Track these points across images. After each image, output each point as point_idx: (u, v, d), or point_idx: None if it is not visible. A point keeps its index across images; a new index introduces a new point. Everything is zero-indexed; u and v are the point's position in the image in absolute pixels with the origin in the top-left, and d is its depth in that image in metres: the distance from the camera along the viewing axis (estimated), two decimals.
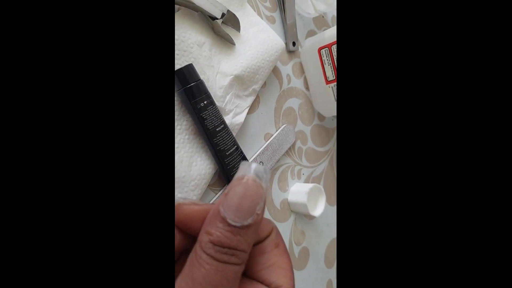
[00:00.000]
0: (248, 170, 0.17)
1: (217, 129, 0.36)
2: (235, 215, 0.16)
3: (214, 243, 0.16)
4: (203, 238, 0.16)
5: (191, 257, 0.17)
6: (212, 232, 0.16)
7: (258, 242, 0.19)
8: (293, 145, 0.51)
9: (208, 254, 0.16)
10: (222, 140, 0.36)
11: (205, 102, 0.35)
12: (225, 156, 0.36)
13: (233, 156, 0.37)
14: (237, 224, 0.16)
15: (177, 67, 0.36)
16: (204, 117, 0.35)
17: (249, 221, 0.16)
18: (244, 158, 0.39)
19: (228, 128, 0.37)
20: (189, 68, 0.35)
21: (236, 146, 0.38)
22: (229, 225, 0.16)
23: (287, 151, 0.50)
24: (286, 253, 0.20)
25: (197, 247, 0.16)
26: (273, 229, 0.20)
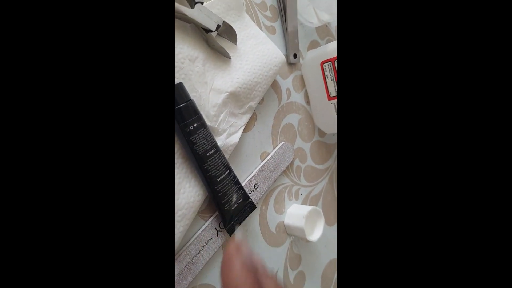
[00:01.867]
0: None
1: (208, 154, 0.33)
2: None
3: None
4: None
5: None
6: None
7: None
8: (291, 163, 0.48)
9: None
10: (213, 166, 0.33)
11: (195, 125, 0.32)
12: (216, 182, 0.34)
13: (225, 182, 0.34)
14: None
15: None
16: (194, 141, 0.32)
17: None
18: (237, 183, 0.36)
19: (220, 151, 0.35)
20: (178, 88, 0.32)
21: (228, 171, 0.35)
22: None
23: (284, 170, 0.47)
24: None
25: None
26: None
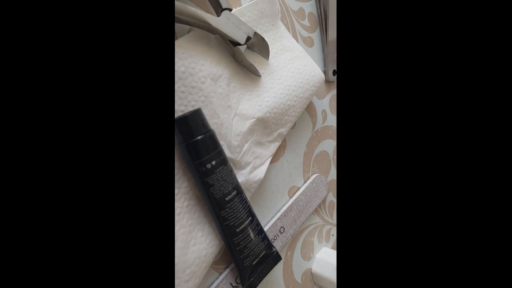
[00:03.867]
0: None
1: (227, 198, 0.26)
2: None
3: None
4: None
5: None
6: None
7: None
8: (324, 199, 0.41)
9: None
10: (232, 213, 0.27)
11: (214, 163, 0.26)
12: (235, 234, 0.27)
13: (246, 232, 0.28)
14: None
15: (180, 111, 0.27)
16: (211, 183, 0.26)
17: None
18: (260, 231, 0.30)
19: (242, 193, 0.28)
20: (196, 116, 0.26)
21: (251, 218, 0.28)
22: None
23: (315, 208, 0.40)
24: None
25: None
26: None
